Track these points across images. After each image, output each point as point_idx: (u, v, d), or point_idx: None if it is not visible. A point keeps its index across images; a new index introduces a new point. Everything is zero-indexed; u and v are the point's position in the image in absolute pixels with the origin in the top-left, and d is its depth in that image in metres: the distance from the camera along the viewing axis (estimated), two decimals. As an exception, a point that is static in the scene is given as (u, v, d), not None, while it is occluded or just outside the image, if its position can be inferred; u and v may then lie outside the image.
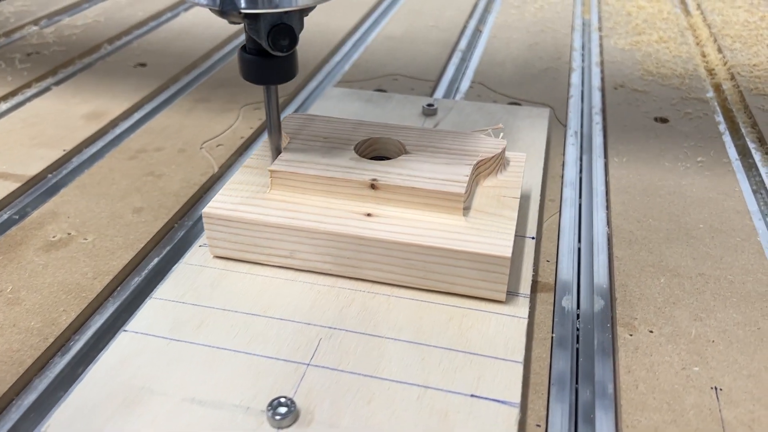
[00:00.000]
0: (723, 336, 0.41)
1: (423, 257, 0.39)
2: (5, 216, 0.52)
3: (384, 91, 0.72)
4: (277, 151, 0.44)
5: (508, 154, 0.47)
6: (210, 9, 0.36)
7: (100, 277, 0.45)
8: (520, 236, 0.45)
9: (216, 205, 0.41)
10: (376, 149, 0.46)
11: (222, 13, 0.36)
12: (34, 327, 0.41)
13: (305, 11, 0.38)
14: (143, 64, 0.78)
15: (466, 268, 0.38)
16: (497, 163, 0.44)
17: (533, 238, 0.45)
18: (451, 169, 0.42)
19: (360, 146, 0.45)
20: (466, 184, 0.40)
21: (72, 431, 0.31)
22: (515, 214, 0.41)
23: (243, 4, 0.35)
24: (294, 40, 0.38)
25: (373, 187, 0.41)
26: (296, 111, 0.69)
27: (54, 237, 0.49)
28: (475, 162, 0.42)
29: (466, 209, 0.41)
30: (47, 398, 0.37)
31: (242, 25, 0.38)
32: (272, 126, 0.42)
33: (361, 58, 0.82)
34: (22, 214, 0.52)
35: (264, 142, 0.49)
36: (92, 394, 0.33)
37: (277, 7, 0.35)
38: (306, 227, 0.40)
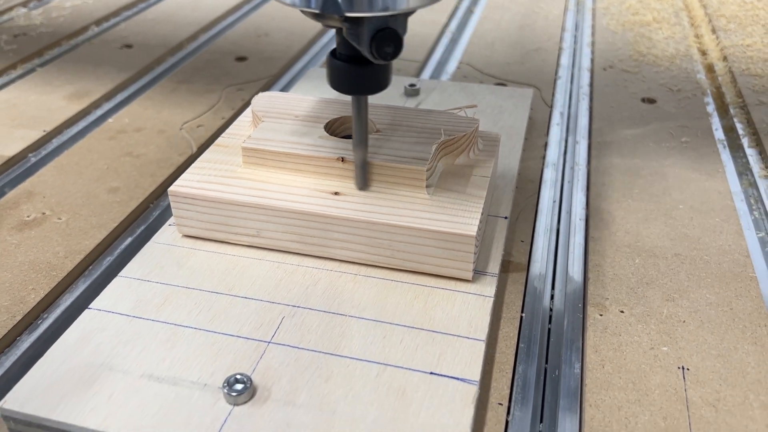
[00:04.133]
0: (694, 316, 0.40)
1: (389, 236, 0.38)
2: (-18, 196, 0.52)
3: (369, 71, 0.71)
4: (362, 166, 0.39)
5: (483, 134, 0.46)
6: (302, 11, 0.33)
7: (72, 256, 0.45)
8: (493, 216, 0.45)
9: (182, 183, 0.41)
10: (348, 127, 0.46)
11: (319, 15, 0.32)
12: (2, 305, 0.41)
13: (411, 12, 0.34)
14: (129, 46, 0.78)
15: (431, 247, 0.38)
16: (469, 142, 0.44)
17: (506, 218, 0.45)
18: (418, 147, 0.41)
19: (332, 124, 0.45)
20: (428, 161, 0.40)
21: (28, 408, 0.31)
22: (484, 193, 0.40)
23: (346, 7, 0.31)
24: (399, 46, 0.33)
25: (341, 162, 0.40)
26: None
27: (28, 216, 0.49)
28: (441, 140, 0.41)
29: (433, 187, 0.40)
30: (14, 376, 0.37)
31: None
32: (360, 140, 0.38)
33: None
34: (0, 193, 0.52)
35: (239, 120, 0.49)
36: (50, 371, 0.33)
37: (385, 9, 0.31)
38: (272, 206, 0.39)
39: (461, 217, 0.38)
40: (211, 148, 0.45)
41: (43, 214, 0.49)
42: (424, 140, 0.42)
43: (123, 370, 0.33)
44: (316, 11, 0.31)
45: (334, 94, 0.60)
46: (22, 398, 0.32)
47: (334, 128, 0.45)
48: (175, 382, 0.32)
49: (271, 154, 0.42)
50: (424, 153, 0.41)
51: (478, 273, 0.40)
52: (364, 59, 0.34)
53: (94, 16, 0.86)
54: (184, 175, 0.42)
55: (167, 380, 0.32)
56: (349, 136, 0.44)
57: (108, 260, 0.46)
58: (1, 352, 0.39)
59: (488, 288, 0.39)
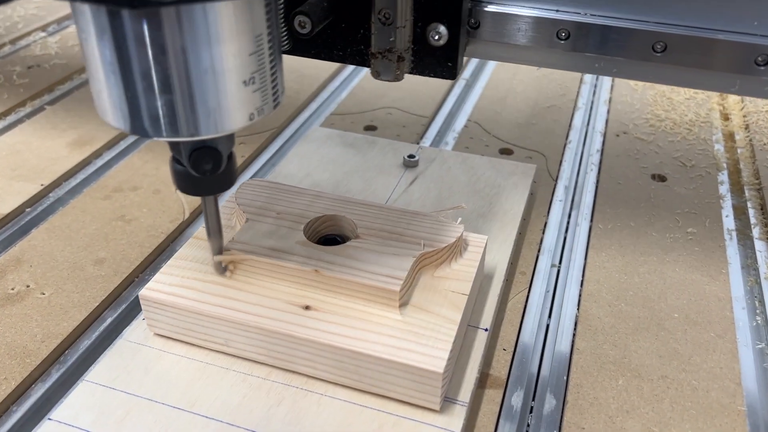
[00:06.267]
0: (672, 457, 0.39)
1: (354, 361, 0.37)
2: (-25, 258, 0.53)
3: (374, 128, 0.70)
4: (219, 253, 0.41)
5: (469, 236, 0.45)
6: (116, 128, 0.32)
7: (48, 341, 0.45)
8: (472, 326, 0.44)
9: (154, 287, 0.41)
10: (330, 226, 0.45)
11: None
12: (-28, 397, 0.41)
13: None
14: (138, 84, 0.78)
15: (397, 377, 0.37)
16: (452, 251, 0.42)
17: (486, 329, 0.43)
18: (394, 262, 0.40)
19: (314, 223, 0.44)
20: (402, 281, 0.38)
21: None
22: (459, 316, 0.39)
23: (153, 133, 0.30)
24: (218, 163, 0.33)
25: (315, 273, 0.40)
26: (281, 147, 0.68)
27: (12, 289, 0.49)
28: (418, 254, 0.40)
29: (406, 305, 0.39)
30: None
31: None
32: (212, 232, 0.39)
33: (358, 86, 0.80)
34: (-9, 256, 0.53)
35: (222, 207, 0.48)
36: (2, 494, 0.33)
37: (192, 136, 0.30)
38: (239, 320, 0.39)
39: (430, 348, 0.37)
40: (190, 242, 0.44)
41: (28, 287, 0.49)
42: (401, 252, 0.41)
43: (72, 500, 0.33)
44: (127, 133, 0.32)
45: (328, 164, 0.59)
46: None
47: (316, 227, 0.44)
48: None
49: (248, 260, 0.41)
50: (399, 270, 0.39)
51: (448, 401, 0.39)
52: None
53: (108, 47, 0.86)
54: (156, 277, 0.41)
55: None
56: (328, 238, 0.43)
57: (85, 344, 0.46)
58: (-35, 450, 0.39)
59: (456, 421, 0.37)
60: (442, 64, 0.43)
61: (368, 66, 0.44)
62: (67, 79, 0.79)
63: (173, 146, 0.33)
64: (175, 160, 0.34)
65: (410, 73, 0.44)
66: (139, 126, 0.29)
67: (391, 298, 0.39)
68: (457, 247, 0.43)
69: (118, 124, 0.30)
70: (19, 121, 0.71)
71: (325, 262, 0.40)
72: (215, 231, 0.39)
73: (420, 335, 0.38)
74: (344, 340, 0.37)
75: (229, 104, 0.30)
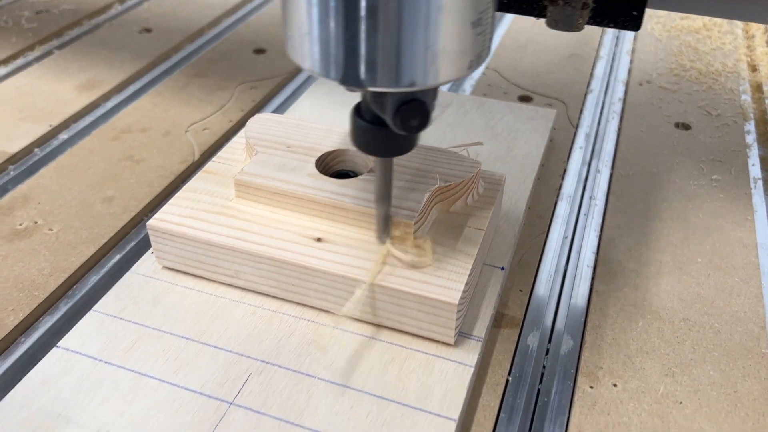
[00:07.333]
0: (693, 397, 0.37)
1: (368, 294, 0.36)
2: (-19, 195, 0.52)
3: (389, 74, 0.68)
4: (385, 219, 0.37)
5: (486, 175, 0.43)
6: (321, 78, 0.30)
7: (56, 275, 0.44)
8: (489, 266, 0.42)
9: (162, 217, 0.40)
10: (343, 161, 0.43)
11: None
12: (-20, 326, 0.41)
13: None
14: (149, 30, 0.76)
15: (412, 309, 0.36)
16: (468, 188, 0.41)
17: (503, 268, 0.42)
18: (410, 195, 0.38)
19: (325, 157, 0.43)
20: (417, 213, 0.37)
21: (-23, 460, 0.31)
22: (475, 251, 0.38)
23: (368, 82, 0.27)
24: (426, 119, 0.30)
25: (326, 207, 0.38)
26: (292, 94, 0.66)
27: (21, 225, 0.48)
28: (433, 189, 0.39)
29: (421, 239, 0.38)
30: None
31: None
32: (382, 196, 0.36)
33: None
34: (0, 193, 0.52)
35: (232, 142, 0.47)
36: (9, 417, 0.33)
37: (411, 85, 0.27)
38: (249, 250, 0.37)
39: (446, 280, 0.36)
40: (199, 174, 0.43)
41: (35, 223, 0.48)
42: (418, 185, 0.39)
43: (79, 424, 0.32)
44: (336, 82, 0.28)
45: (340, 108, 0.57)
46: (-25, 448, 0.31)
47: (327, 162, 0.43)
48: (128, 443, 0.31)
49: (260, 189, 0.40)
50: (415, 203, 0.38)
51: (463, 335, 0.37)
52: None
53: (118, -7, 0.84)
54: (165, 207, 0.40)
55: (121, 440, 0.32)
56: (340, 173, 0.42)
57: (93, 279, 0.45)
58: (-26, 377, 0.38)
59: (470, 356, 0.36)
60: (627, 13, 0.39)
61: (541, 15, 0.40)
62: (75, 24, 0.78)
63: (375, 99, 0.30)
64: (359, 116, 0.32)
65: (587, 23, 0.40)
66: (352, 75, 0.27)
67: (405, 231, 0.37)
68: (474, 184, 0.41)
69: (325, 73, 0.27)
70: (28, 64, 0.69)
71: (337, 194, 0.39)
72: (386, 196, 0.36)
73: (435, 268, 0.36)
74: (357, 272, 0.36)
75: (455, 49, 0.27)
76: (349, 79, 0.27)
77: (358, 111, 0.32)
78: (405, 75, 0.27)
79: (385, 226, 0.37)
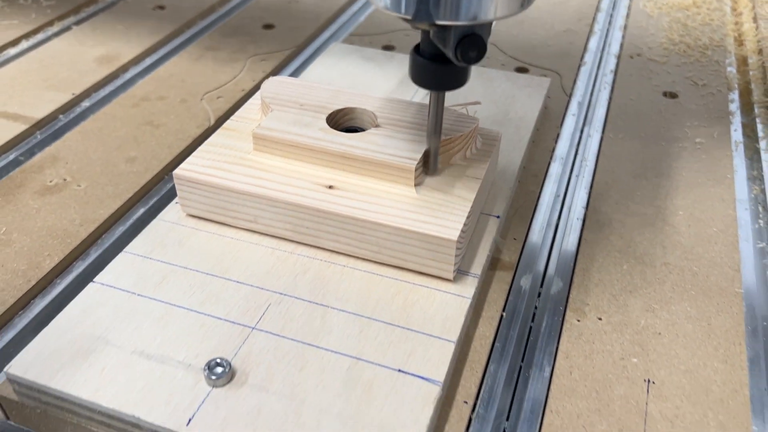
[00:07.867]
0: (671, 329, 0.41)
1: (374, 233, 0.40)
2: (12, 156, 0.56)
3: (392, 48, 0.72)
4: (434, 153, 0.42)
5: (483, 132, 0.47)
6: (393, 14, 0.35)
7: (87, 225, 0.48)
8: (486, 214, 0.46)
9: (187, 167, 0.43)
10: (351, 118, 0.47)
11: (410, 21, 0.34)
12: (19, 269, 0.44)
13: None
14: (162, 7, 0.80)
15: (414, 247, 0.39)
16: (467, 141, 0.44)
17: (498, 216, 0.46)
18: (411, 145, 0.42)
19: (335, 115, 0.46)
20: (417, 161, 0.41)
21: (29, 374, 0.34)
22: (473, 196, 0.41)
23: (438, 16, 0.32)
24: (483, 51, 0.35)
25: (337, 157, 0.42)
26: (301, 65, 0.70)
27: (51, 182, 0.52)
28: (435, 141, 0.43)
29: (422, 186, 0.42)
30: (25, 337, 0.41)
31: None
32: (434, 130, 0.41)
33: (377, 10, 0.81)
34: (28, 155, 0.55)
35: (249, 103, 0.51)
36: (53, 340, 0.36)
37: (474, 19, 0.32)
38: (267, 196, 0.41)
39: (446, 220, 0.39)
40: (219, 131, 0.47)
41: (64, 180, 0.52)
42: (420, 137, 0.43)
43: (117, 345, 0.36)
44: (408, 18, 0.33)
45: (348, 75, 0.61)
46: (26, 365, 0.35)
47: (337, 119, 0.46)
48: (162, 360, 0.35)
49: (276, 142, 0.43)
50: (415, 152, 0.42)
51: (461, 273, 0.41)
52: (447, 58, 0.36)
53: (131, -28, 0.88)
54: (189, 159, 0.44)
55: (155, 358, 0.35)
56: (350, 129, 0.46)
57: (120, 230, 0.49)
58: (16, 314, 0.42)
59: (468, 289, 0.40)
60: None
61: None
62: (92, 2, 0.81)
63: (438, 34, 0.35)
64: (419, 53, 0.37)
65: None
66: (423, 11, 0.32)
67: (407, 177, 0.41)
68: (472, 138, 0.45)
69: (398, 10, 0.33)
70: (47, 39, 0.73)
71: (347, 145, 0.42)
72: (437, 129, 0.41)
73: (436, 209, 0.40)
74: (366, 213, 0.40)
75: None
76: (419, 14, 0.32)
77: (417, 50, 0.37)
78: (467, 10, 0.32)
79: (434, 160, 0.42)
